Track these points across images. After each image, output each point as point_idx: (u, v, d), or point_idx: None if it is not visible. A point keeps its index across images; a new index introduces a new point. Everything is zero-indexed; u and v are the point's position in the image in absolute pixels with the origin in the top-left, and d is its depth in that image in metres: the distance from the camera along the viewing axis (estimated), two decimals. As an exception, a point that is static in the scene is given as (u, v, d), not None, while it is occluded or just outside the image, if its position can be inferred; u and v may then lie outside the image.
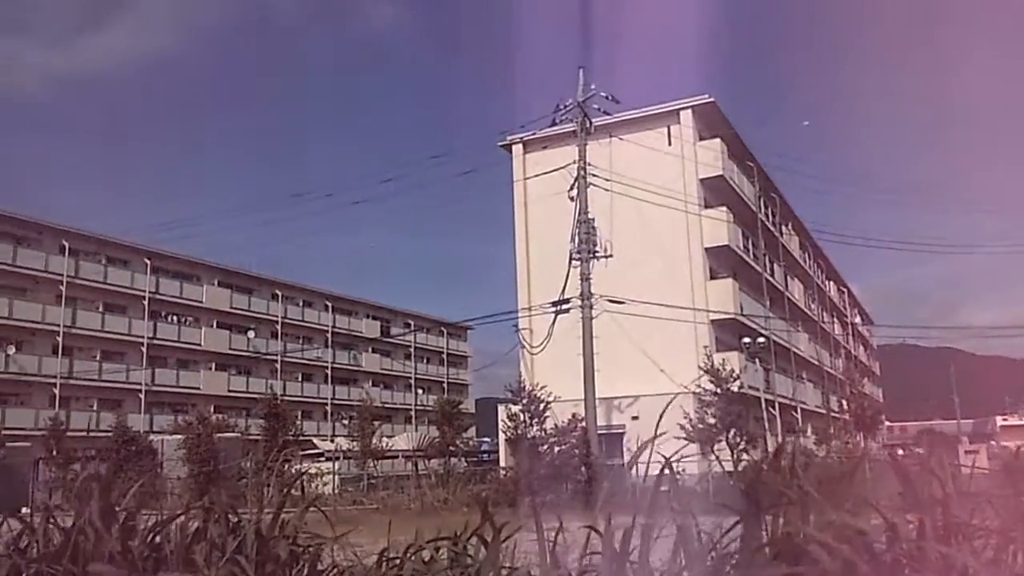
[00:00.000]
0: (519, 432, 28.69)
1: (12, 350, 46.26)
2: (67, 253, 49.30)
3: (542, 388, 29.18)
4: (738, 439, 28.03)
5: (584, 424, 26.85)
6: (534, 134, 36.79)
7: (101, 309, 51.51)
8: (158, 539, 4.68)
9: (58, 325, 48.20)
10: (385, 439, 40.44)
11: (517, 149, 40.23)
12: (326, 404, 65.28)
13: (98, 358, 50.86)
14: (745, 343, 36.14)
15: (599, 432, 27.05)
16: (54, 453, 35.05)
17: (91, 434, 41.15)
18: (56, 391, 47.49)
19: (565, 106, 29.13)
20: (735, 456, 26.92)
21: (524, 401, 29.05)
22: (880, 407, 49.59)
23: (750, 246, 41.42)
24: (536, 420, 28.44)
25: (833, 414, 45.73)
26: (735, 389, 29.55)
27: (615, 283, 28.52)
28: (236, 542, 4.15)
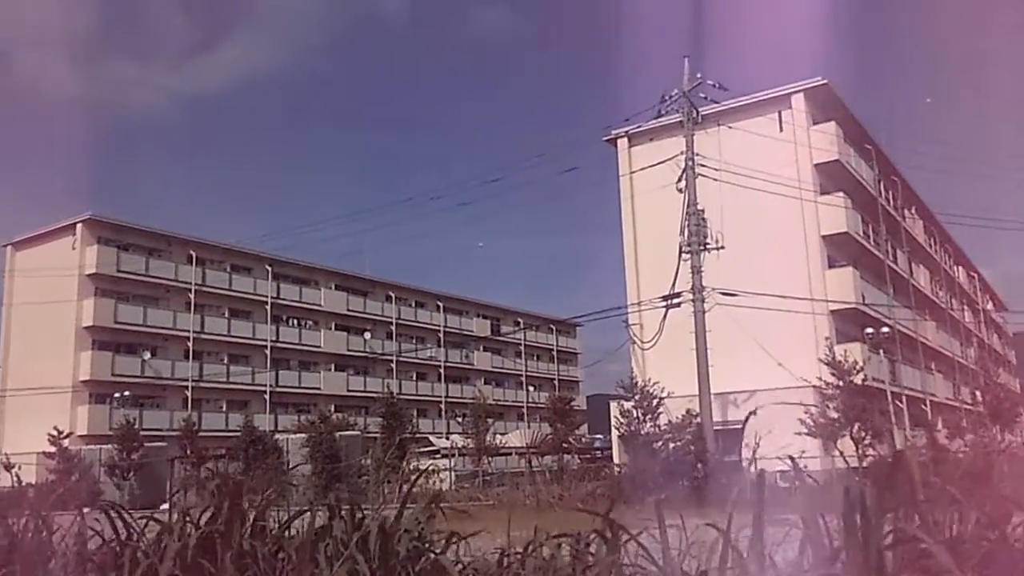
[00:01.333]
0: (632, 429, 28.41)
1: (147, 355, 49.06)
2: (195, 263, 51.97)
3: (654, 384, 28.82)
4: (863, 433, 26.97)
5: (699, 420, 26.34)
6: (639, 127, 36.32)
7: (227, 315, 54.00)
8: (285, 536, 4.80)
9: (188, 331, 50.89)
10: (498, 436, 40.86)
11: (622, 143, 39.82)
12: (440, 402, 66.48)
13: (225, 361, 53.34)
14: (868, 333, 34.64)
15: (715, 428, 26.47)
16: (188, 452, 36.99)
17: (221, 434, 43.33)
18: (188, 393, 50.12)
19: (670, 97, 28.63)
20: (860, 451, 25.93)
21: (636, 397, 28.75)
22: (1017, 398, 46.66)
23: (870, 232, 39.68)
24: (649, 416, 28.10)
25: (966, 406, 43.35)
26: (858, 382, 28.40)
27: (727, 275, 27.81)
28: (359, 538, 4.21)
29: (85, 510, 5.79)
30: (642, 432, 27.96)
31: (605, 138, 40.08)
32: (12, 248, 52.18)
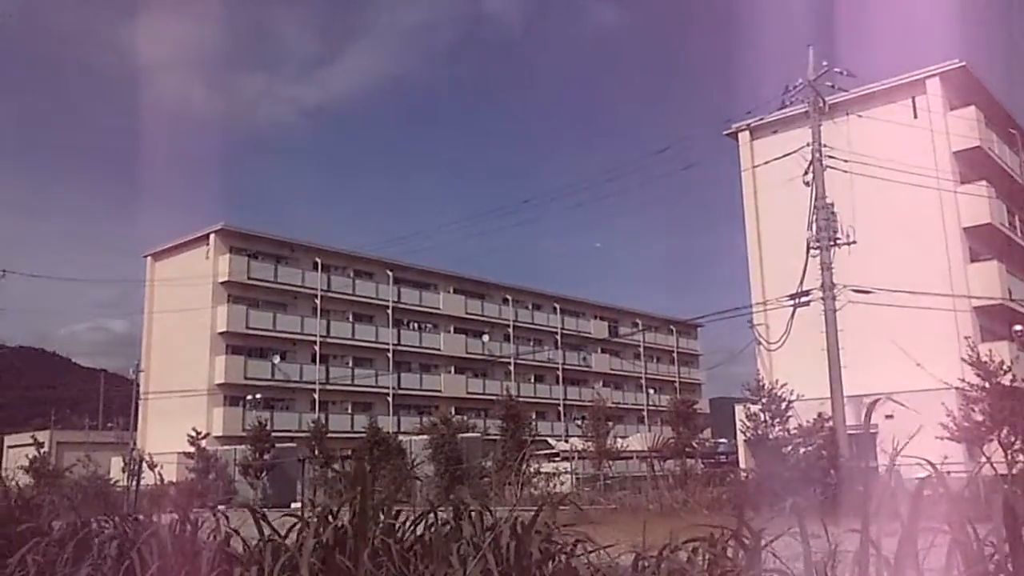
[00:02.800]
0: (759, 433, 27.40)
1: (277, 359, 51.08)
2: (320, 269, 53.83)
3: (782, 386, 27.71)
4: (1012, 438, 25.08)
5: (831, 424, 25.08)
6: (761, 119, 35.09)
7: (351, 319, 55.66)
8: (415, 534, 4.88)
9: (315, 335, 52.71)
10: (618, 440, 40.31)
11: (744, 136, 38.61)
12: (558, 404, 66.37)
13: (350, 364, 54.93)
14: (1016, 331, 32.28)
15: (849, 432, 25.14)
16: (316, 453, 38.19)
17: (347, 435, 44.58)
18: (316, 396, 51.92)
19: (794, 87, 27.43)
20: (1009, 457, 24.13)
21: (764, 400, 27.71)
22: None
23: (1017, 223, 37.00)
24: (778, 420, 27.04)
25: None
26: (1006, 383, 26.44)
27: (859, 271, 26.41)
28: (491, 539, 4.20)
29: (221, 508, 5.92)
30: (770, 436, 26.92)
31: (725, 132, 38.97)
32: (151, 259, 55.43)
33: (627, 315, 76.67)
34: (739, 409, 31.01)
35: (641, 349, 75.57)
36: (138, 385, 52.77)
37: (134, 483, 31.26)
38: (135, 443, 48.32)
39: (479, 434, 39.32)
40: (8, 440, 54.51)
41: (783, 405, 27.09)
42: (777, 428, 26.90)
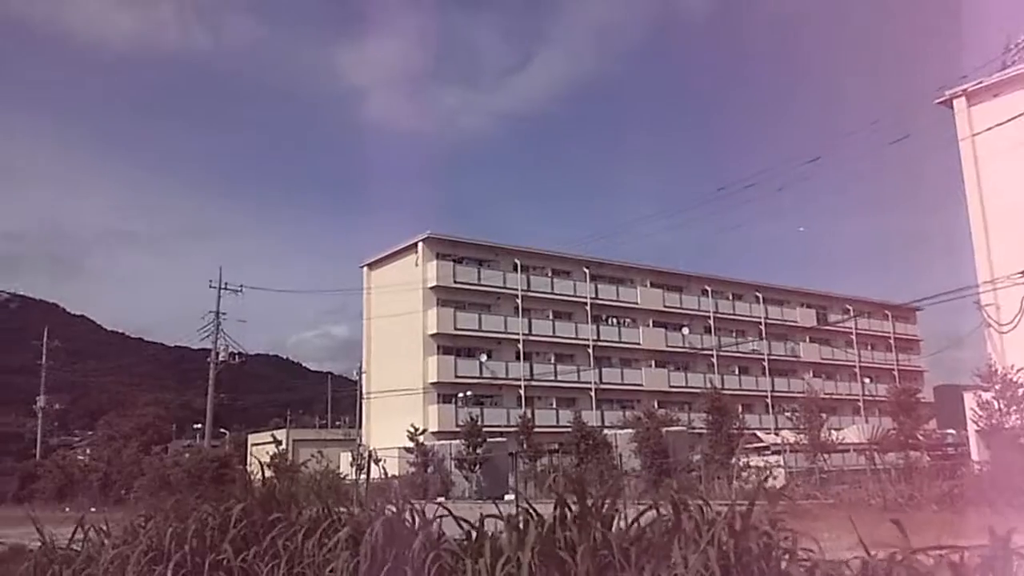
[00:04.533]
0: (993, 422, 25.29)
1: (484, 358, 53.12)
2: (520, 270, 55.40)
3: (1017, 371, 25.41)
4: None
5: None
6: (979, 83, 32.28)
7: (551, 317, 56.81)
8: (634, 530, 4.96)
9: (518, 334, 54.31)
10: (833, 432, 38.48)
11: (959, 103, 35.49)
12: (765, 396, 64.22)
13: (552, 361, 56.07)
14: None
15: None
16: (525, 447, 39.41)
17: (553, 430, 45.61)
18: (521, 392, 53.47)
19: (1016, 45, 25.13)
20: None
21: (996, 387, 25.54)
22: None
23: None
24: (1014, 408, 24.84)
25: None
26: None
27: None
28: (710, 535, 4.22)
29: (439, 499, 6.44)
30: (1005, 426, 24.78)
31: (938, 100, 36.11)
32: (367, 268, 59.31)
33: (836, 301, 72.78)
34: (968, 397, 28.71)
35: (854, 336, 71.48)
36: (361, 386, 56.85)
37: (362, 476, 33.68)
38: (361, 439, 52.11)
39: (684, 428, 38.97)
40: (252, 439, 60.30)
41: (1020, 391, 24.86)
42: (1014, 416, 24.73)
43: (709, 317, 63.71)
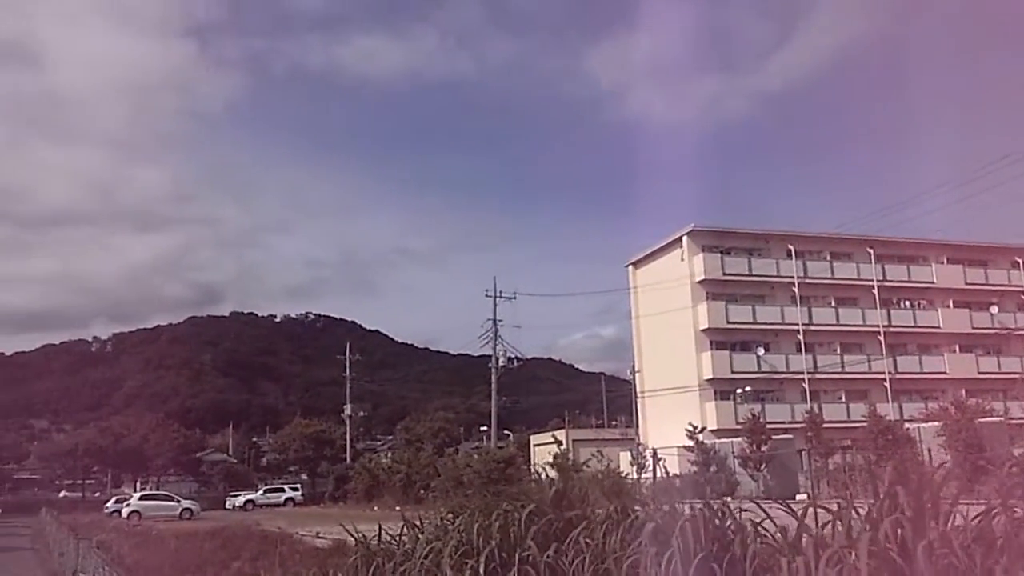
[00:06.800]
0: None
1: (761, 351, 51.00)
2: (794, 256, 52.59)
3: None
4: None
5: None
6: None
7: (833, 304, 53.42)
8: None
9: (796, 324, 51.53)
10: None
11: None
12: (1103, 380, 55.65)
13: (838, 351, 52.63)
14: None
15: None
16: (814, 443, 37.17)
17: (844, 425, 42.71)
18: (805, 385, 50.67)
19: None
20: None
21: None
22: None
23: None
24: None
25: None
26: None
27: None
28: None
29: (727, 499, 6.11)
30: None
31: None
32: (632, 267, 59.32)
33: None
34: None
35: None
36: (635, 385, 56.93)
37: (641, 475, 33.59)
38: (639, 438, 52.11)
39: (1000, 418, 34.85)
40: (534, 440, 62.58)
41: None
42: None
43: (1023, 293, 56.53)
